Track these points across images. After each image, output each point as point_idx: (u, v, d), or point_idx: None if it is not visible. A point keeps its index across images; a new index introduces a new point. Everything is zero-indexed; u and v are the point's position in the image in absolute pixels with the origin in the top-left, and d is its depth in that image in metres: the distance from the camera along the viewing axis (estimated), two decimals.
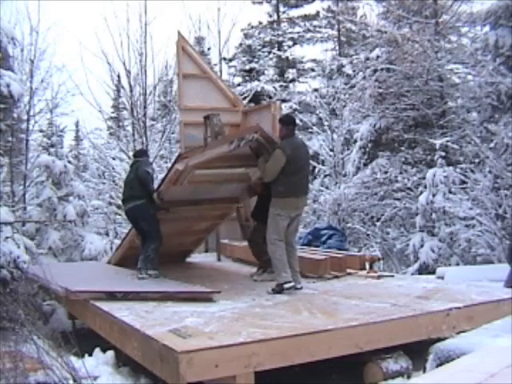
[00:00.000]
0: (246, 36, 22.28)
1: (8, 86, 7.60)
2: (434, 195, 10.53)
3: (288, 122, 5.92)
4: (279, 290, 5.60)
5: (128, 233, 7.94)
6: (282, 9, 23.07)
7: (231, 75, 20.88)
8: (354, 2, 19.87)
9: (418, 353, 4.34)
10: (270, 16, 22.89)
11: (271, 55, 21.69)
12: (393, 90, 13.18)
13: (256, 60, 21.08)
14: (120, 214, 12.44)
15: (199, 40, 19.00)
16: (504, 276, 6.28)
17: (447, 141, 11.51)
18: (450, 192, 10.66)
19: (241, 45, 21.68)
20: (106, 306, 5.18)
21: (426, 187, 10.91)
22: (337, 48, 22.10)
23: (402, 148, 13.16)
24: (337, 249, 8.68)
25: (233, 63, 21.40)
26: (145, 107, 13.33)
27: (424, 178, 11.27)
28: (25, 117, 11.57)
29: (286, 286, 5.58)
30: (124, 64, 13.10)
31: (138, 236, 7.14)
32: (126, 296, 5.46)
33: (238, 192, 7.27)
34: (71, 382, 3.95)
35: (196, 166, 6.07)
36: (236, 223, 9.22)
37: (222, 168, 6.42)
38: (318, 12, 23.03)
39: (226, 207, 7.67)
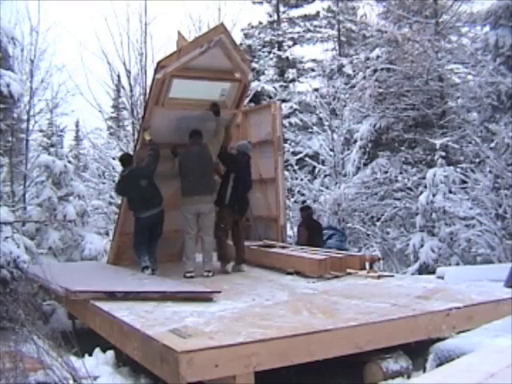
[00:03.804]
0: (246, 36, 22.27)
1: (8, 85, 7.60)
2: (434, 195, 10.52)
3: (191, 135, 7.15)
4: (184, 275, 6.96)
5: (116, 223, 8.18)
6: (282, 9, 23.04)
7: None
8: (354, 1, 19.86)
9: (418, 353, 4.34)
10: (270, 16, 22.87)
11: (271, 55, 21.68)
12: (393, 90, 13.17)
13: (256, 60, 21.05)
14: None
15: None
16: (504, 276, 6.28)
17: (448, 140, 11.50)
18: (450, 192, 10.66)
19: (241, 45, 21.60)
20: (106, 305, 5.17)
21: (426, 187, 10.90)
22: (337, 48, 22.09)
23: (402, 148, 13.15)
24: (337, 249, 8.67)
25: None
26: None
27: (424, 178, 11.26)
28: (25, 117, 11.55)
29: (187, 274, 6.93)
30: (124, 64, 13.09)
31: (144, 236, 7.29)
32: (126, 296, 5.46)
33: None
34: (71, 381, 3.95)
35: (174, 74, 6.64)
36: None
37: (198, 79, 6.92)
38: (318, 12, 23.01)
39: None
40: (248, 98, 16.96)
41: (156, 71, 6.69)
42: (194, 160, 7.06)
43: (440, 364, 3.45)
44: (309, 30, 22.95)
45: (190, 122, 7.21)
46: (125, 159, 7.51)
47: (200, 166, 7.05)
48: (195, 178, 7.02)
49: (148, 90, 7.29)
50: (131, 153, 8.42)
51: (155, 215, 7.11)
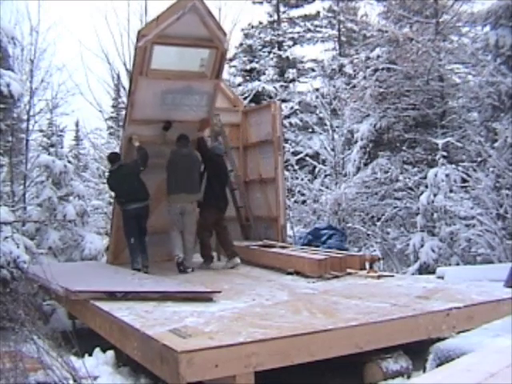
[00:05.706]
0: (247, 36, 22.27)
1: (8, 85, 7.59)
2: (435, 195, 10.50)
3: (179, 139, 7.51)
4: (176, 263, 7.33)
5: (112, 220, 8.38)
6: (282, 9, 23.07)
7: (232, 75, 20.91)
8: (355, 1, 19.86)
9: (418, 353, 4.34)
10: (271, 16, 22.89)
11: (271, 55, 21.68)
12: (393, 90, 13.16)
13: (256, 60, 21.07)
14: None
15: None
16: (504, 276, 6.28)
17: (449, 140, 11.48)
18: (451, 191, 10.64)
19: (241, 45, 21.68)
20: (106, 305, 5.17)
21: (426, 187, 10.89)
22: (337, 48, 22.10)
23: (403, 148, 13.15)
24: (337, 249, 8.67)
25: (233, 63, 21.39)
26: None
27: (425, 178, 11.25)
28: (25, 117, 11.56)
29: (176, 259, 7.30)
30: (124, 64, 13.10)
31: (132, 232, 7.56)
32: (126, 296, 5.46)
33: (199, 116, 7.92)
34: (71, 381, 3.95)
35: (155, 41, 6.90)
36: (236, 223, 9.24)
37: (178, 45, 7.23)
38: (318, 12, 23.04)
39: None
40: (248, 98, 17.01)
41: (138, 40, 6.98)
42: (183, 160, 7.42)
43: (440, 364, 3.45)
44: (309, 30, 22.97)
45: (175, 96, 7.52)
46: (112, 157, 7.93)
47: (188, 166, 7.42)
48: (183, 176, 7.33)
49: (132, 63, 7.63)
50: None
51: (141, 208, 7.46)
